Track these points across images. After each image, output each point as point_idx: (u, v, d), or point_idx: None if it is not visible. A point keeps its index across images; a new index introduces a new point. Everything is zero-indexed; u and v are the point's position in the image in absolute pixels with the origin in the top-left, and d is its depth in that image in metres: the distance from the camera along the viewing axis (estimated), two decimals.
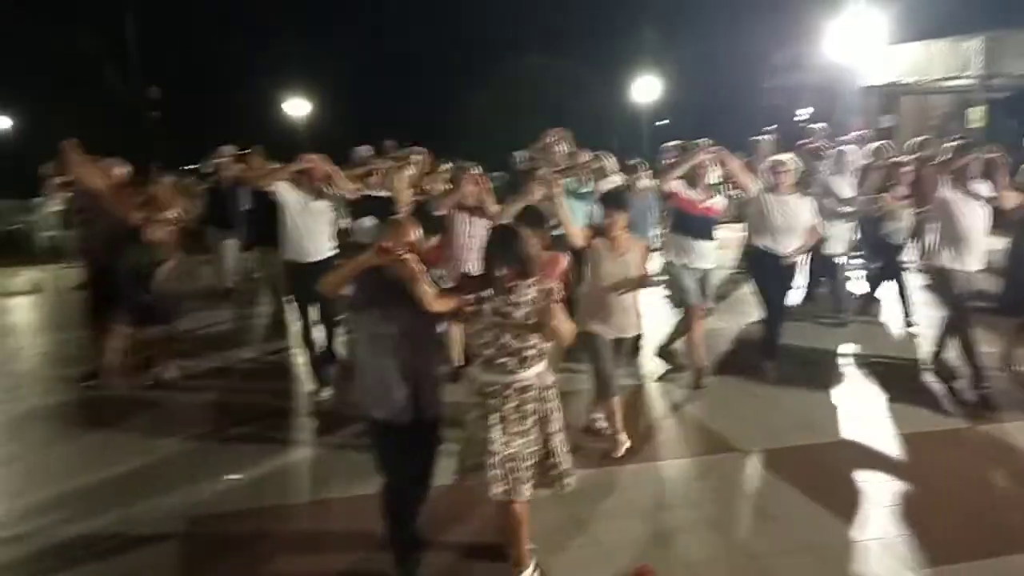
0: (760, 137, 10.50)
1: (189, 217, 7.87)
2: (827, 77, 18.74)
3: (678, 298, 6.80)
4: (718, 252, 6.95)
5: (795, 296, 7.07)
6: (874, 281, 8.83)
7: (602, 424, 5.69)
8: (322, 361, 6.87)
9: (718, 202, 6.77)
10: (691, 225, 6.69)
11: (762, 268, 6.96)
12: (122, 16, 28.99)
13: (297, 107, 27.32)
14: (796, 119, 17.00)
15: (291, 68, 27.46)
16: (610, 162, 8.48)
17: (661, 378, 6.94)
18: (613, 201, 5.56)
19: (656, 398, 6.58)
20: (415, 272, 3.65)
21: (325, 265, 6.29)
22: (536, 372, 3.85)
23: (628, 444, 5.46)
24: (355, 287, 3.86)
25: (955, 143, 6.82)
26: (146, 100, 30.61)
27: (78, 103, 25.42)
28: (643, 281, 5.43)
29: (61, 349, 8.42)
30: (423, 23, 32.33)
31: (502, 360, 3.78)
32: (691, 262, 6.68)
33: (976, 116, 14.19)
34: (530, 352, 3.80)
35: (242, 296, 10.01)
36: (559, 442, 3.95)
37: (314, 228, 6.63)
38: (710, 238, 6.77)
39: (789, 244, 6.74)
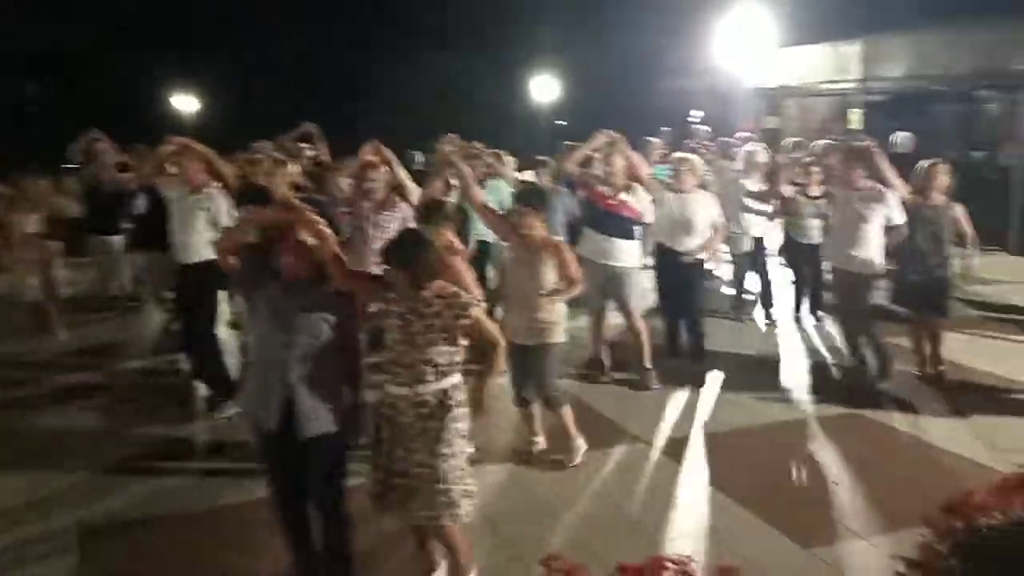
0: (650, 138, 10.73)
1: (61, 217, 7.39)
2: (717, 79, 19.31)
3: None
4: (635, 251, 6.75)
5: (705, 294, 7.14)
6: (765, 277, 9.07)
7: (541, 446, 5.45)
8: (214, 374, 6.39)
9: (632, 201, 6.58)
10: (600, 221, 6.66)
11: (663, 266, 7.07)
12: None
13: (185, 103, 26.38)
14: (688, 120, 17.45)
15: (179, 65, 26.52)
16: (507, 161, 8.62)
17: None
18: (527, 199, 5.32)
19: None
20: (323, 233, 3.46)
21: (206, 267, 5.88)
22: (435, 388, 3.60)
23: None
24: (243, 275, 3.67)
25: (825, 144, 7.14)
26: (24, 96, 29.07)
27: None
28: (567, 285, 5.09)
29: None
30: (320, 21, 31.69)
31: (397, 371, 3.61)
32: (596, 258, 6.56)
33: (856, 118, 14.89)
34: (426, 367, 3.57)
35: (129, 303, 9.58)
36: (450, 467, 3.60)
37: (194, 226, 6.21)
38: (623, 236, 6.61)
39: (689, 242, 6.81)
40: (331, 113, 26.56)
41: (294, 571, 3.76)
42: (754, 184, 8.53)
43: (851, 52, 14.79)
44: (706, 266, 7.17)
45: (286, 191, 6.43)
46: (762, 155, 8.75)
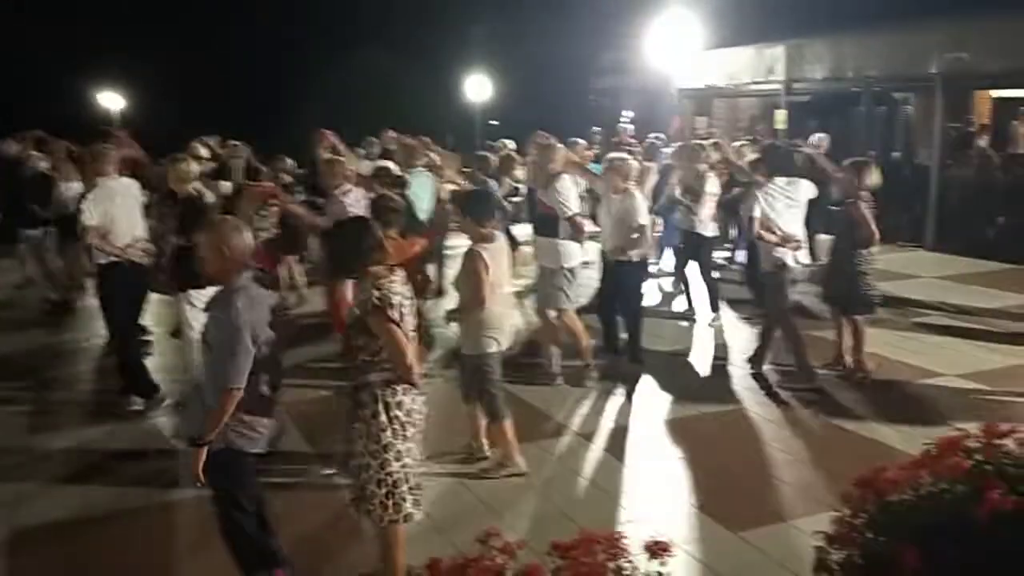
0: (577, 139, 10.92)
1: None
2: (647, 80, 19.64)
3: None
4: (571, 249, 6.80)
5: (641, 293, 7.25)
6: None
7: (486, 451, 5.39)
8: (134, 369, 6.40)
9: (546, 196, 6.65)
10: (535, 220, 6.86)
11: (603, 265, 7.19)
12: None
13: (111, 100, 25.68)
14: (620, 120, 17.70)
15: (106, 59, 25.78)
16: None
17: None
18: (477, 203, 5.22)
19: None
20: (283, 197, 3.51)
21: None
22: (365, 379, 3.62)
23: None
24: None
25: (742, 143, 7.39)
26: None
27: None
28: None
29: None
30: (253, 16, 31.19)
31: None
32: (543, 262, 6.74)
33: (781, 118, 15.29)
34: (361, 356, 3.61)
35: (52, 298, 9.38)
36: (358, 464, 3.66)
37: (125, 217, 6.17)
38: (547, 235, 6.72)
39: (615, 242, 6.84)
40: (267, 112, 26.30)
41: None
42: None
43: (775, 54, 15.18)
44: (644, 265, 7.18)
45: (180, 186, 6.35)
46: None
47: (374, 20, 31.67)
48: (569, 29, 27.26)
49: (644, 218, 6.78)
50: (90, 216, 5.93)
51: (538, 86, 30.24)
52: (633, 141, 13.51)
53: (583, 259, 6.94)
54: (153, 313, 7.53)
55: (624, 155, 7.19)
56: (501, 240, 5.21)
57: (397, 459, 3.61)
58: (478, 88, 24.72)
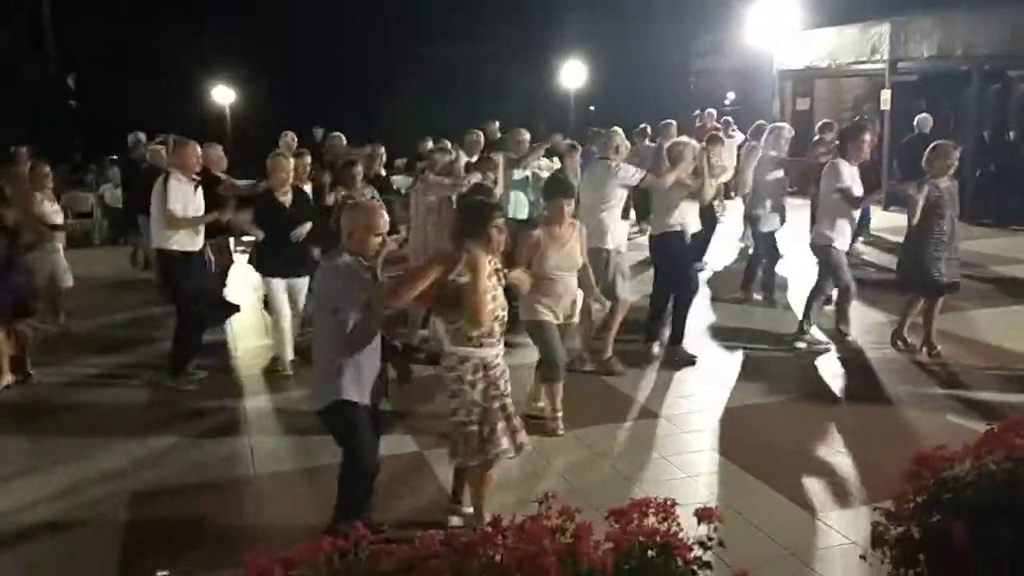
0: (669, 120, 10.96)
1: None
2: (747, 61, 19.32)
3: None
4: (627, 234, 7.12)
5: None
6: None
7: (540, 407, 5.73)
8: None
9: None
10: None
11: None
12: (38, 5, 28.16)
13: (223, 94, 26.88)
14: (724, 102, 17.50)
15: (217, 56, 27.03)
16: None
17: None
18: (558, 187, 5.73)
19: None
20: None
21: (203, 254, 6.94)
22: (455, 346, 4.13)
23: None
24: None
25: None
26: (64, 89, 29.81)
27: None
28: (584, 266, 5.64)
29: None
30: (351, 8, 32.08)
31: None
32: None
33: (885, 99, 14.82)
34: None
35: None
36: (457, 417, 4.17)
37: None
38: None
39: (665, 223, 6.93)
40: (362, 104, 27.10)
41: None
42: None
43: (880, 33, 14.69)
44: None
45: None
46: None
47: (469, 9, 32.10)
48: (666, 12, 27.03)
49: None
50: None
51: (635, 70, 30.11)
52: (718, 126, 13.43)
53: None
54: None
55: (684, 139, 7.21)
56: (568, 223, 5.61)
57: (486, 410, 4.09)
58: (574, 74, 24.74)
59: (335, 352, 3.88)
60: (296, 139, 10.30)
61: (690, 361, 6.86)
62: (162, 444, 5.64)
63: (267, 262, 6.84)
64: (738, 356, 7.12)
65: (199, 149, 6.98)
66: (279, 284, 6.79)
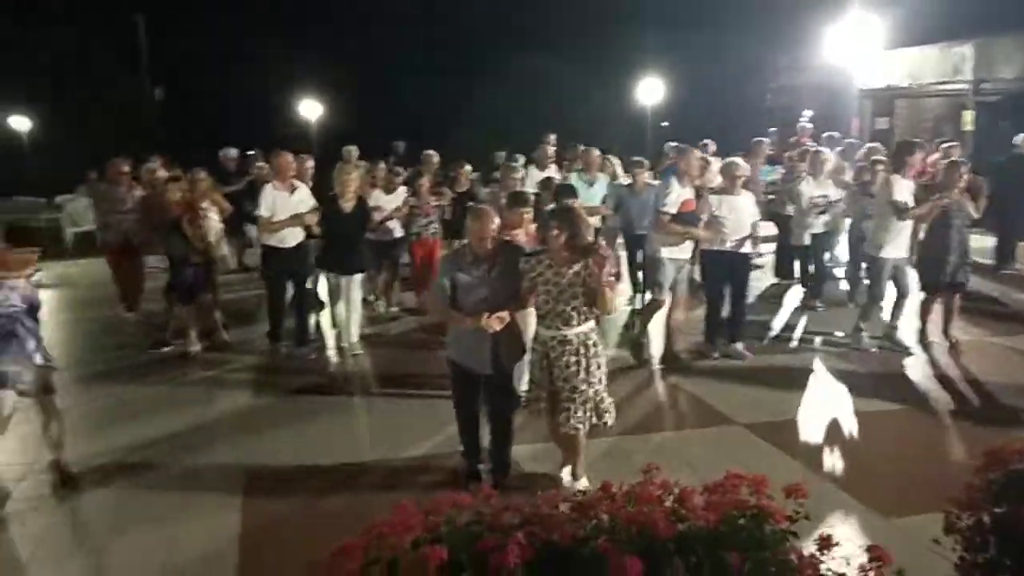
0: (760, 138, 11.14)
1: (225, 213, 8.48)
2: (827, 79, 19.30)
3: (655, 288, 7.30)
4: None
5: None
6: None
7: None
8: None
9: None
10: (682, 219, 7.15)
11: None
12: (133, 19, 29.65)
13: (311, 109, 27.74)
14: (801, 120, 17.50)
15: (302, 70, 27.97)
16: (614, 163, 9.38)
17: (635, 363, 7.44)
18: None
19: (647, 376, 7.18)
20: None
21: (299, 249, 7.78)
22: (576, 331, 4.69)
23: None
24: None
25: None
26: (154, 100, 31.24)
27: (90, 105, 26.01)
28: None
29: (110, 325, 9.28)
30: (427, 23, 32.89)
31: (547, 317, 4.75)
32: (673, 254, 7.16)
33: (968, 119, 14.73)
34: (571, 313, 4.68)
35: None
36: (581, 392, 4.71)
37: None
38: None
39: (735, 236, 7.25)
40: (439, 117, 27.78)
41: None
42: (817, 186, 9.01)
43: (963, 53, 14.64)
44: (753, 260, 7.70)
45: None
46: (828, 156, 9.34)
47: (545, 25, 32.56)
48: (744, 28, 27.00)
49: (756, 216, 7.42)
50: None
51: (712, 87, 30.11)
52: (810, 141, 13.47)
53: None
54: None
55: (737, 159, 7.56)
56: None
57: (601, 383, 4.73)
58: (649, 91, 24.90)
59: None
60: (358, 152, 11.38)
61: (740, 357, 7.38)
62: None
63: (327, 260, 7.76)
64: (807, 360, 7.49)
65: (291, 158, 7.89)
66: (336, 280, 7.72)
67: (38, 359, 4.91)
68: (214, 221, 7.99)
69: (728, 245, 7.18)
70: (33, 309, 4.90)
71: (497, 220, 4.75)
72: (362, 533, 2.40)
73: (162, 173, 9.39)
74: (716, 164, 9.86)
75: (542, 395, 4.77)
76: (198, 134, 21.78)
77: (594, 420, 4.72)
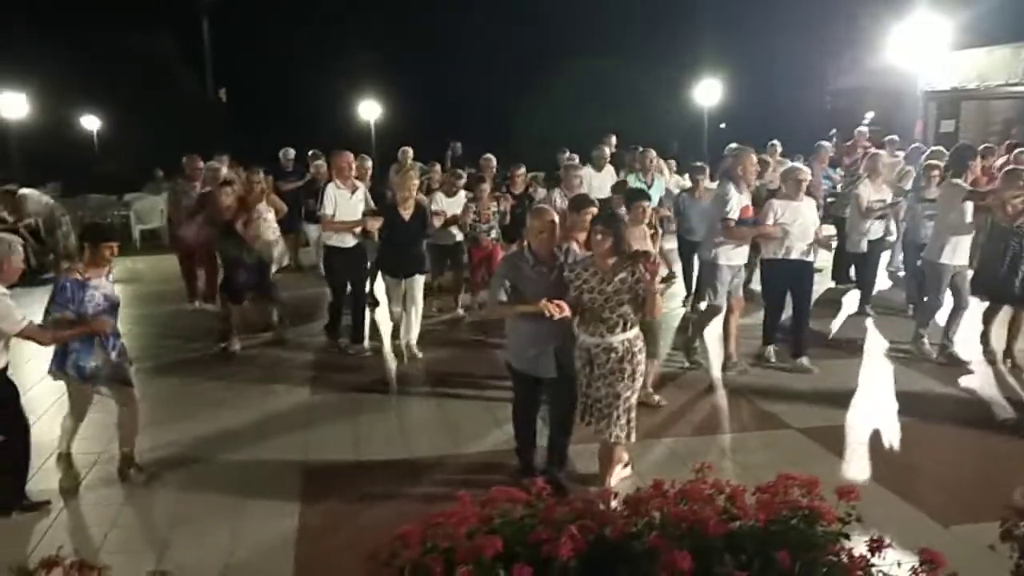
0: (822, 141, 11.01)
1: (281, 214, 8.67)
2: (890, 81, 18.92)
3: (710, 293, 7.18)
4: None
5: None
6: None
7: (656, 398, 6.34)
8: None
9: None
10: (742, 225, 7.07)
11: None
12: (198, 22, 30.46)
13: (370, 110, 28.14)
14: (863, 122, 17.18)
15: (362, 72, 28.41)
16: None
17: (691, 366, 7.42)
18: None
19: (703, 380, 7.16)
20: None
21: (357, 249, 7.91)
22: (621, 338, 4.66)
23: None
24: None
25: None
26: (218, 100, 32.06)
27: (156, 105, 26.74)
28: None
29: (177, 320, 9.59)
30: (486, 23, 33.07)
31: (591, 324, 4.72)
32: (730, 260, 7.06)
33: None
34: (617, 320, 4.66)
35: None
36: (623, 400, 4.70)
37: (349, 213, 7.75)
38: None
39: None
40: (498, 118, 27.94)
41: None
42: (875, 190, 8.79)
43: None
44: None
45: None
46: (885, 160, 9.15)
47: (603, 26, 32.51)
48: (804, 29, 26.62)
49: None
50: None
51: (771, 88, 29.74)
52: (869, 144, 13.25)
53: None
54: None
55: (798, 165, 7.47)
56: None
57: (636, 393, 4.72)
58: (708, 92, 24.71)
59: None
60: (412, 153, 11.47)
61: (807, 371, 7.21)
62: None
63: (387, 263, 7.83)
64: (864, 366, 7.46)
65: (352, 157, 7.98)
66: (394, 282, 7.77)
67: (115, 356, 5.12)
68: (271, 221, 8.15)
69: (793, 255, 7.05)
70: (114, 307, 5.10)
71: (557, 219, 4.78)
72: (420, 523, 2.49)
73: (224, 172, 9.65)
74: (774, 165, 9.81)
75: (587, 402, 4.76)
76: (259, 135, 22.27)
77: (628, 431, 4.71)
